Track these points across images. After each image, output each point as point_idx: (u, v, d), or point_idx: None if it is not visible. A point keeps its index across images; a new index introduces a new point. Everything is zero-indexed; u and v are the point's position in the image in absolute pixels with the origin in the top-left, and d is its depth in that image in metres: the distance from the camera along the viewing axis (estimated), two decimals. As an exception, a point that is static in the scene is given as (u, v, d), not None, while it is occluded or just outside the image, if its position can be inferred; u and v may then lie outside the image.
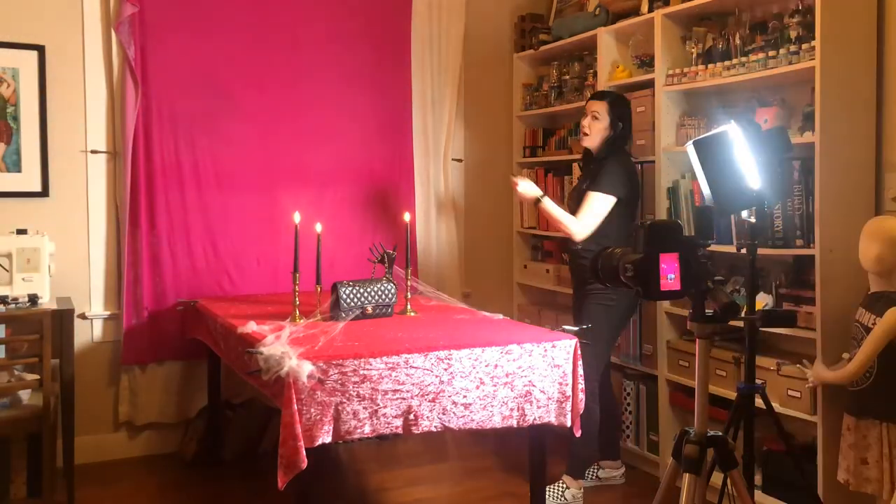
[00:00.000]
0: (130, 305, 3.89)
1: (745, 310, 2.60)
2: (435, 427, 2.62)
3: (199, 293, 3.95)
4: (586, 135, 3.51)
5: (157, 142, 3.93)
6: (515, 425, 2.77)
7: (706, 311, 1.88)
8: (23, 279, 3.37)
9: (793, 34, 3.10)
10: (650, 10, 3.79)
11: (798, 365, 3.05)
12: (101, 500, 3.49)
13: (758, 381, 2.68)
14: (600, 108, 3.48)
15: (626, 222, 3.43)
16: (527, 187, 3.45)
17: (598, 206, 3.36)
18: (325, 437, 2.45)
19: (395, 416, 2.56)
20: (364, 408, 2.51)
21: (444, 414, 2.62)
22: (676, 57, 3.69)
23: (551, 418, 2.82)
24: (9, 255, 3.37)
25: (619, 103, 3.52)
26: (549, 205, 3.42)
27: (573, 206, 3.47)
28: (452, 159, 4.64)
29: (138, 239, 3.89)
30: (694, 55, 3.59)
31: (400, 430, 2.58)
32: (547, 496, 3.39)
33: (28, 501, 3.35)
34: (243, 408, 4.05)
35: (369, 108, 4.38)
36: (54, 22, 3.82)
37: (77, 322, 3.68)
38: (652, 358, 3.76)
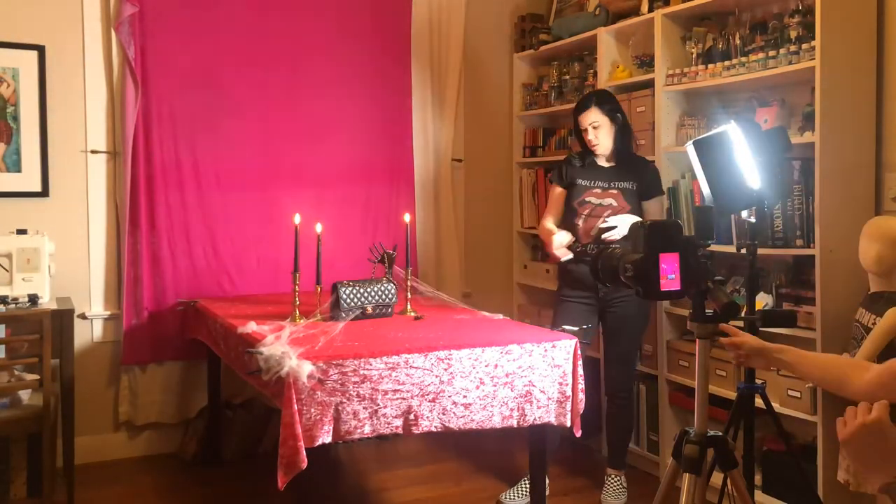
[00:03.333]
0: (130, 305, 3.89)
1: (745, 310, 2.60)
2: (435, 427, 2.62)
3: (199, 293, 3.95)
4: (595, 146, 3.40)
5: (157, 142, 3.93)
6: (515, 425, 2.77)
7: (706, 311, 1.88)
8: (23, 279, 3.37)
9: (793, 34, 3.10)
10: (650, 10, 3.79)
11: (798, 365, 3.04)
12: (101, 500, 3.48)
13: (758, 381, 2.67)
14: (595, 115, 3.38)
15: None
16: (624, 230, 3.23)
17: (663, 211, 3.45)
18: (325, 437, 2.45)
19: (395, 416, 2.56)
20: (364, 408, 2.51)
21: (444, 414, 2.62)
22: (676, 57, 3.69)
23: (551, 418, 2.82)
24: (9, 255, 3.37)
25: (605, 99, 3.43)
26: None
27: (608, 203, 3.37)
28: (452, 159, 4.64)
29: (138, 239, 3.89)
30: (694, 55, 3.59)
31: (400, 430, 2.58)
32: (606, 497, 3.44)
33: (28, 501, 3.35)
34: (243, 408, 4.05)
35: (369, 108, 4.38)
36: (54, 22, 3.82)
37: (77, 322, 3.68)
38: (652, 358, 3.76)
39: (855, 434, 1.32)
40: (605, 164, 3.46)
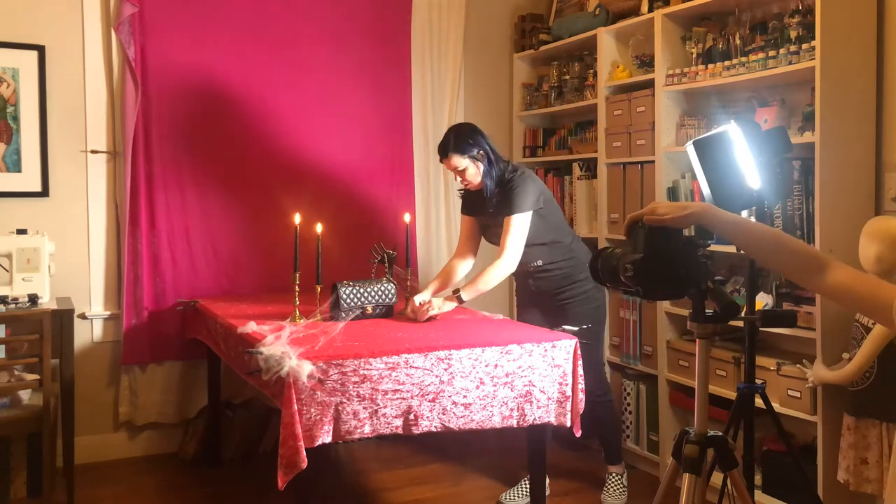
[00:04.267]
0: (130, 305, 3.89)
1: (745, 310, 2.60)
2: (435, 427, 2.62)
3: (199, 293, 3.95)
4: (469, 186, 3.33)
5: (157, 142, 3.93)
6: (515, 425, 2.78)
7: (706, 311, 1.88)
8: (23, 279, 3.37)
9: (793, 34, 3.10)
10: (650, 10, 3.79)
11: (798, 365, 3.05)
12: (101, 500, 3.49)
13: (758, 381, 2.68)
14: (456, 161, 3.24)
15: (557, 220, 3.41)
16: (441, 307, 3.14)
17: (520, 228, 3.24)
18: (325, 437, 2.45)
19: (395, 416, 2.56)
20: (364, 408, 2.51)
21: (444, 414, 2.62)
22: (676, 57, 3.69)
23: (551, 418, 2.82)
24: (9, 255, 3.37)
25: (461, 142, 3.24)
26: (473, 289, 3.19)
27: (494, 235, 3.36)
28: (452, 159, 4.64)
29: (138, 239, 3.89)
30: (694, 55, 3.59)
31: (400, 430, 2.58)
32: (606, 497, 3.44)
33: (28, 501, 3.35)
34: (243, 408, 4.05)
35: (369, 108, 4.38)
36: (54, 22, 3.83)
37: (77, 322, 3.68)
38: (652, 358, 3.76)
39: None
40: (488, 198, 3.33)
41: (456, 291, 3.22)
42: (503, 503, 3.45)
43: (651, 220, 1.73)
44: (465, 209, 3.51)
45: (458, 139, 3.26)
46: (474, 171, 3.27)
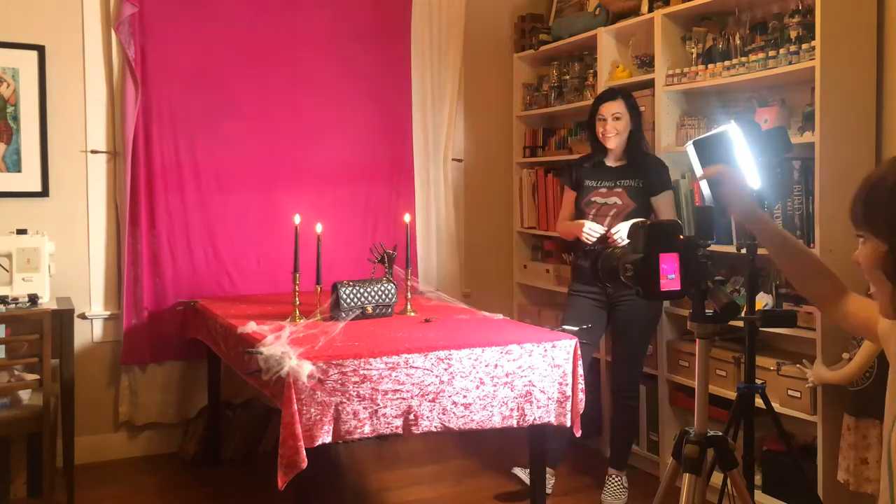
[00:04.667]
0: (130, 305, 3.89)
1: (745, 310, 2.60)
2: (435, 427, 2.62)
3: (199, 293, 3.95)
4: (610, 137, 3.42)
5: (157, 142, 3.93)
6: (515, 425, 2.77)
7: (706, 311, 1.88)
8: (23, 279, 3.37)
9: (793, 34, 3.10)
10: (650, 10, 3.79)
11: (798, 365, 3.05)
12: (101, 500, 3.48)
13: (758, 381, 2.68)
14: (619, 107, 3.41)
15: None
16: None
17: (672, 205, 3.44)
18: (325, 437, 2.45)
19: (395, 416, 2.56)
20: (364, 408, 2.51)
21: (444, 414, 2.62)
22: (676, 57, 3.69)
23: (551, 418, 2.82)
24: (9, 255, 3.37)
25: (630, 96, 3.49)
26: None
27: (615, 202, 3.42)
28: (452, 159, 4.64)
29: (138, 239, 3.89)
30: (694, 55, 3.59)
31: (400, 430, 2.58)
32: (606, 497, 3.44)
33: (28, 501, 3.35)
34: (243, 408, 4.05)
35: (369, 108, 4.38)
36: (54, 22, 3.82)
37: (77, 322, 3.68)
38: (652, 358, 3.76)
39: None
40: (613, 164, 3.49)
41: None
42: (516, 473, 3.47)
43: (710, 173, 1.82)
44: (573, 181, 3.57)
45: (621, 91, 3.50)
46: (625, 124, 3.41)
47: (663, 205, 3.41)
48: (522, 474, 3.45)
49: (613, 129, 3.41)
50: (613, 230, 3.30)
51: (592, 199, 3.47)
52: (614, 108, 3.41)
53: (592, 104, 3.53)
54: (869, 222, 1.25)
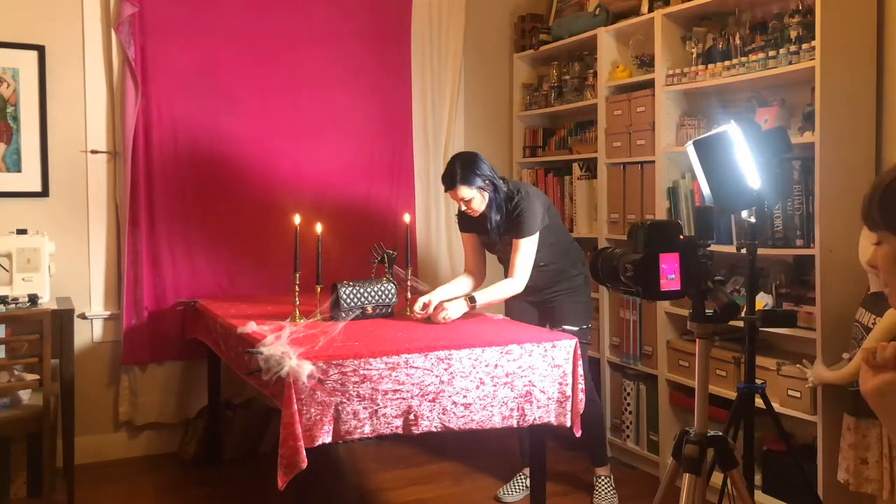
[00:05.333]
0: (130, 305, 3.89)
1: (745, 310, 2.60)
2: (435, 427, 2.62)
3: (199, 293, 3.95)
4: (474, 214, 3.30)
5: (157, 142, 3.93)
6: (515, 425, 2.77)
7: (706, 311, 1.88)
8: (23, 279, 3.37)
9: (793, 34, 3.10)
10: (650, 10, 3.79)
11: (798, 365, 3.05)
12: (101, 500, 3.49)
13: (758, 381, 2.68)
14: (463, 192, 3.22)
15: (558, 230, 3.45)
16: (456, 311, 3.13)
17: (529, 251, 3.27)
18: (325, 437, 2.45)
19: (395, 416, 2.56)
20: (364, 408, 2.51)
21: (444, 414, 2.62)
22: (676, 57, 3.69)
23: (551, 418, 2.82)
24: (9, 255, 3.37)
25: (467, 173, 3.21)
26: (484, 298, 3.21)
27: (499, 251, 3.41)
28: (452, 159, 4.64)
29: (138, 239, 3.89)
30: (694, 55, 3.59)
31: (400, 430, 2.58)
32: (599, 501, 3.43)
33: (28, 501, 3.35)
34: (243, 408, 4.05)
35: (369, 107, 4.38)
36: (54, 22, 3.82)
37: (77, 322, 3.68)
38: (652, 358, 3.76)
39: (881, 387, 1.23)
40: (495, 226, 3.33)
41: (470, 297, 3.21)
42: (500, 498, 3.45)
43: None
44: (465, 227, 3.49)
45: (465, 170, 3.23)
46: (480, 201, 3.27)
47: (516, 249, 3.26)
48: (507, 496, 3.45)
49: (471, 209, 3.29)
50: (439, 312, 3.12)
51: (497, 255, 3.49)
52: (459, 194, 3.24)
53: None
54: (887, 221, 1.25)
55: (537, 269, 3.34)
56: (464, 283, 3.43)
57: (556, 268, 3.40)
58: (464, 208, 3.31)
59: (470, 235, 3.49)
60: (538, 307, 3.48)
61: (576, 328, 3.24)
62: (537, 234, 3.29)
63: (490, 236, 3.37)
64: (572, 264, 3.45)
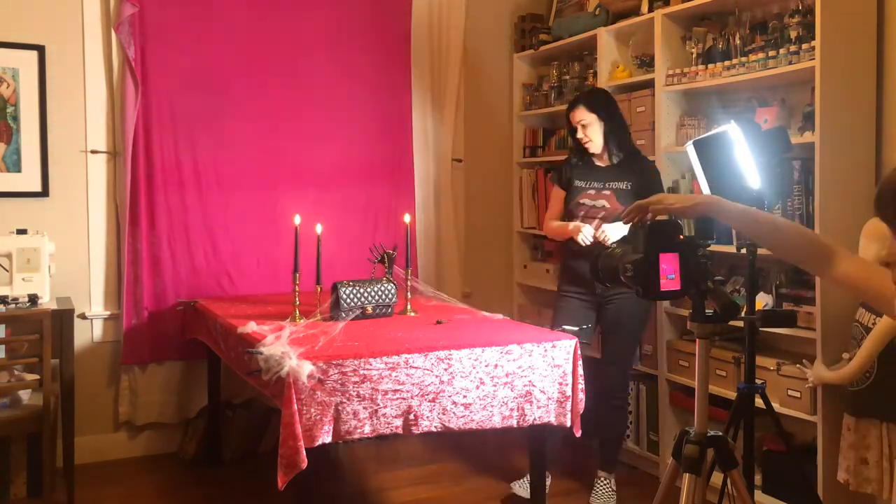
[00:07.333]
0: (130, 305, 3.89)
1: (745, 310, 2.60)
2: (435, 427, 2.62)
3: (199, 293, 3.95)
4: (587, 143, 3.41)
5: (157, 142, 3.93)
6: (515, 425, 2.77)
7: (706, 311, 1.88)
8: (23, 279, 3.37)
9: (793, 34, 3.10)
10: (650, 10, 3.79)
11: (798, 365, 3.05)
12: (101, 500, 3.48)
13: (758, 381, 2.68)
14: (582, 114, 3.39)
15: None
16: (616, 233, 3.21)
17: None
18: (325, 437, 2.45)
19: (395, 416, 2.56)
20: (364, 408, 2.51)
21: (444, 414, 2.62)
22: (676, 57, 3.69)
23: (551, 418, 2.82)
24: (9, 255, 3.37)
25: (593, 99, 3.43)
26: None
27: (603, 206, 3.40)
28: (452, 159, 4.64)
29: (138, 239, 3.89)
30: (694, 55, 3.59)
31: (400, 430, 2.58)
32: (596, 501, 3.43)
33: (28, 501, 3.35)
34: (243, 408, 4.05)
35: (369, 108, 4.38)
36: (54, 22, 3.82)
37: (77, 322, 3.68)
38: (652, 358, 3.76)
39: None
40: (603, 164, 3.46)
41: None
42: (514, 490, 3.44)
43: (657, 209, 1.76)
44: (563, 179, 3.54)
45: (591, 96, 3.45)
46: (597, 130, 3.36)
47: None
48: (520, 490, 3.43)
49: (586, 137, 3.39)
50: (599, 232, 3.28)
51: (581, 201, 3.45)
52: (578, 116, 3.40)
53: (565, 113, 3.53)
54: None
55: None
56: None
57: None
58: (579, 135, 3.38)
59: (561, 195, 3.55)
60: (595, 306, 3.44)
61: (576, 328, 3.23)
62: None
63: (595, 175, 3.41)
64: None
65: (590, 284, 3.38)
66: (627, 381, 3.60)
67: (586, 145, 3.41)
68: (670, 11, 3.65)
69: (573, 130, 3.44)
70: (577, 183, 3.48)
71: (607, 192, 3.40)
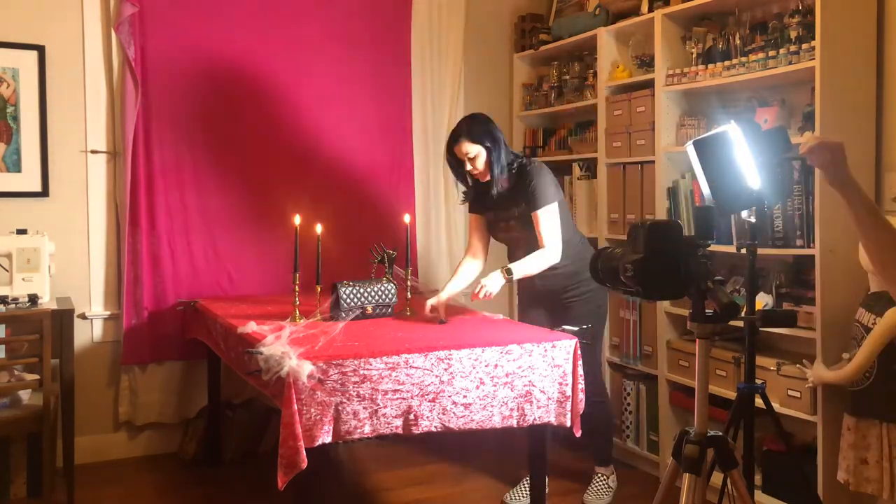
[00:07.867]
0: (130, 305, 3.89)
1: (745, 310, 2.60)
2: (435, 427, 2.62)
3: (199, 293, 3.95)
4: (478, 174, 3.29)
5: (157, 142, 3.94)
6: (515, 425, 2.77)
7: (706, 311, 1.88)
8: (23, 279, 3.38)
9: (793, 34, 3.10)
10: (650, 10, 3.79)
11: (798, 365, 3.05)
12: (101, 500, 3.49)
13: (758, 381, 2.68)
14: (466, 147, 3.22)
15: (567, 219, 3.39)
16: (495, 285, 3.11)
17: (552, 219, 3.23)
18: (325, 437, 2.45)
19: (395, 416, 2.56)
20: (364, 408, 2.51)
21: (444, 414, 2.62)
22: (676, 57, 3.69)
23: (551, 418, 2.82)
24: (9, 255, 3.37)
25: (474, 130, 3.24)
26: (521, 269, 3.18)
27: (514, 235, 3.36)
28: (452, 159, 4.64)
29: (138, 239, 3.89)
30: (694, 55, 3.59)
31: (400, 430, 2.58)
32: (589, 497, 3.43)
33: (28, 501, 3.35)
34: (243, 408, 4.05)
35: (369, 108, 4.38)
36: (54, 22, 3.82)
37: (77, 322, 3.68)
38: (652, 358, 3.76)
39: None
40: (497, 190, 3.30)
41: (507, 269, 3.16)
42: (507, 503, 3.45)
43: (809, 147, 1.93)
44: (472, 207, 3.49)
45: (472, 126, 3.27)
46: (484, 159, 3.25)
47: (538, 221, 3.22)
48: (514, 502, 3.43)
49: (475, 168, 3.27)
50: (478, 288, 3.12)
51: (498, 234, 3.44)
52: (464, 149, 3.23)
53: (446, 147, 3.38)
54: None
55: (550, 270, 3.29)
56: (470, 268, 3.42)
57: (570, 269, 3.32)
58: (468, 167, 3.28)
59: (477, 217, 3.48)
60: (552, 313, 3.41)
61: (576, 328, 3.22)
62: (556, 204, 3.25)
63: (495, 204, 3.32)
64: (586, 267, 3.36)
65: (543, 298, 3.39)
66: (600, 377, 3.62)
67: (477, 176, 3.30)
68: (670, 11, 3.65)
69: (461, 163, 3.30)
70: (487, 216, 3.43)
71: (512, 223, 3.34)
